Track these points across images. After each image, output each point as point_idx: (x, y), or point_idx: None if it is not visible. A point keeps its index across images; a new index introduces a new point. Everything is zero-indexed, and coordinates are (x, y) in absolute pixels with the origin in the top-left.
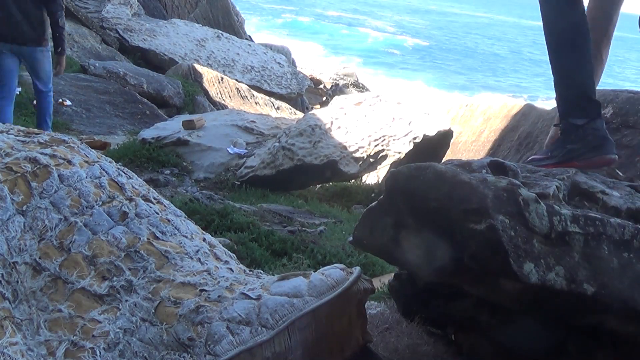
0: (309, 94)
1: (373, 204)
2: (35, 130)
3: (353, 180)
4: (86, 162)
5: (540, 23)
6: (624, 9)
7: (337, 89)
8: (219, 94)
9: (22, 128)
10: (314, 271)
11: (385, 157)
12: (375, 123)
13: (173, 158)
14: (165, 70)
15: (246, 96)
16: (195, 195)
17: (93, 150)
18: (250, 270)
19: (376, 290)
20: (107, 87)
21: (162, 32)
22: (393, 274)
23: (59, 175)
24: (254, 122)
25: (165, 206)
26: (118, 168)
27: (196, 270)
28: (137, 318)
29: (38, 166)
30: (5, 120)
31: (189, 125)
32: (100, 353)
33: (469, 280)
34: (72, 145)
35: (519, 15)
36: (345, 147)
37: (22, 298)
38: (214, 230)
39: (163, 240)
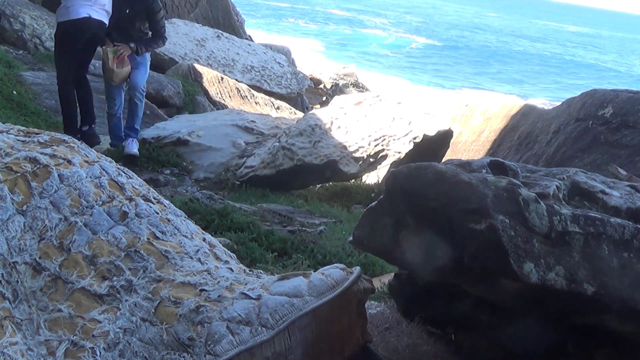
0: (309, 93)
1: (373, 204)
2: (35, 130)
3: (353, 180)
4: (86, 162)
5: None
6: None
7: (337, 89)
8: (219, 93)
9: (22, 128)
10: (314, 271)
11: (385, 157)
12: (375, 123)
13: (173, 158)
14: (165, 70)
15: (246, 96)
16: (195, 195)
17: (92, 150)
18: (250, 270)
19: (376, 290)
20: None
21: None
22: (393, 274)
23: (59, 175)
24: (254, 122)
25: (165, 206)
26: (118, 168)
27: (196, 270)
28: (137, 318)
29: (38, 166)
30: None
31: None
32: (100, 353)
33: (469, 280)
34: (72, 145)
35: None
36: (345, 147)
37: (22, 298)
38: (214, 230)
39: (163, 240)
